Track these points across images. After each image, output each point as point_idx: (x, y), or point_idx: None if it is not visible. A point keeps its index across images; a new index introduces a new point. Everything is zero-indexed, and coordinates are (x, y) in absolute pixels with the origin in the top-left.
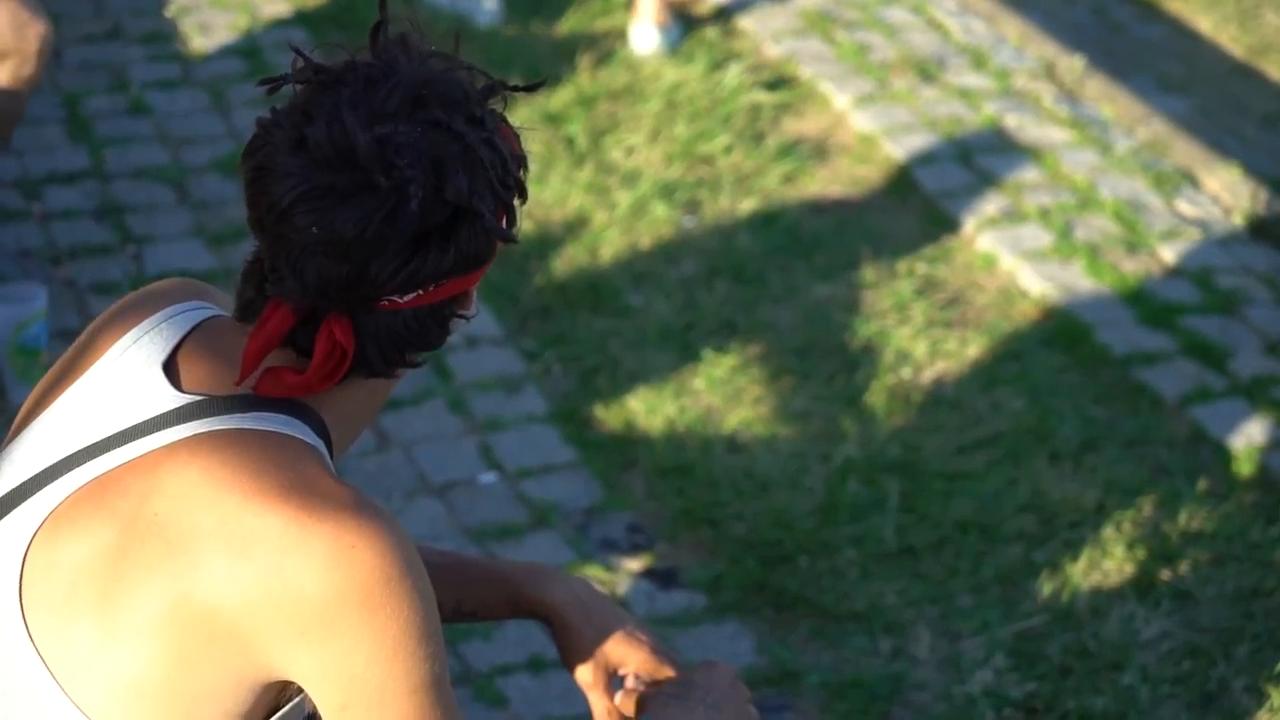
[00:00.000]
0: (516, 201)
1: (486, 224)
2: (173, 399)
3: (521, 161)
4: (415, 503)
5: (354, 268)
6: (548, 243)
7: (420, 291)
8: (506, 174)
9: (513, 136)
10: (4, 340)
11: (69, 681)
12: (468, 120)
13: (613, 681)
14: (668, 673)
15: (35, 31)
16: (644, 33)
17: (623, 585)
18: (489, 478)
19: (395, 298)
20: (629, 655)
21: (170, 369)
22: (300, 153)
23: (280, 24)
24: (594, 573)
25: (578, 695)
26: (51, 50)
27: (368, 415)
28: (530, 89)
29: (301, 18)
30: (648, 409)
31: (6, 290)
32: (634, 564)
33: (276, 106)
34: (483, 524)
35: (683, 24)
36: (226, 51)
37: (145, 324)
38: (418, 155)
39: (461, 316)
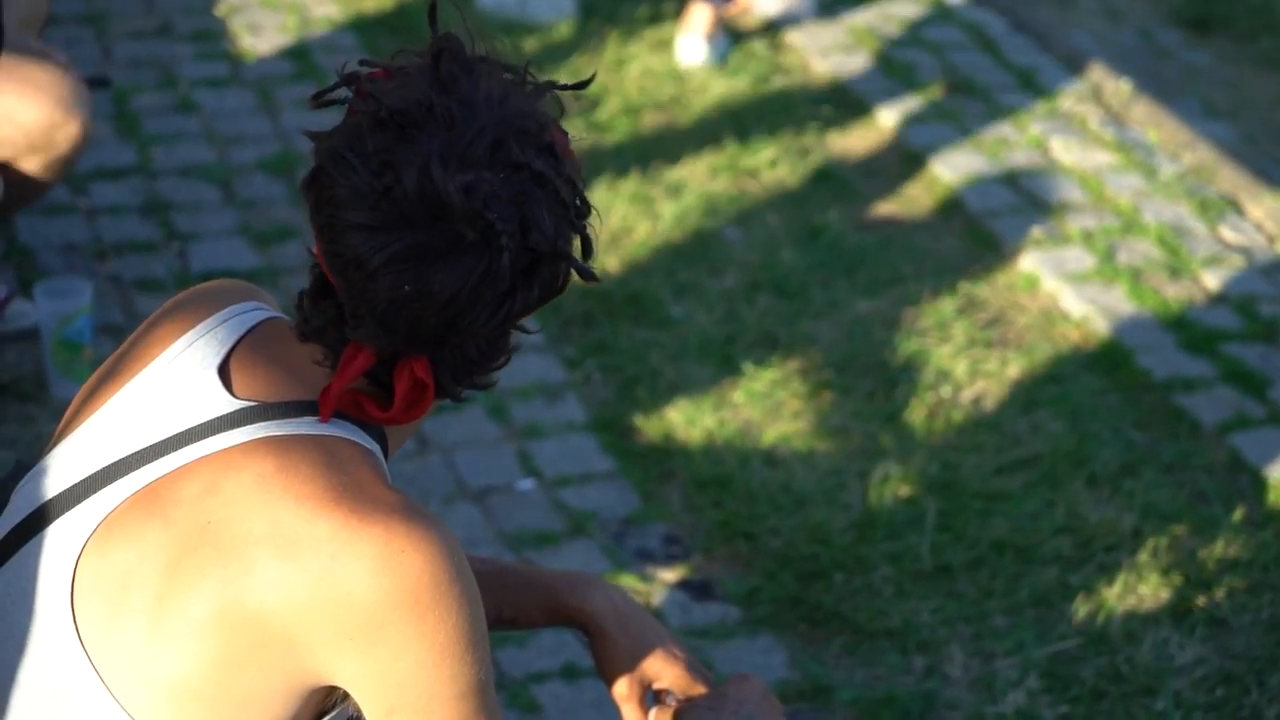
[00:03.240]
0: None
1: (574, 265)
2: (228, 404)
3: (580, 170)
4: (453, 508)
5: (447, 320)
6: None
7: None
8: (582, 203)
9: (567, 140)
10: (48, 335)
11: (118, 686)
12: (543, 150)
13: (647, 695)
14: (701, 690)
15: (67, 134)
16: (692, 45)
17: (657, 596)
18: (527, 484)
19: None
20: (664, 670)
21: (224, 372)
22: (384, 206)
23: (330, 25)
24: (629, 582)
25: (611, 704)
26: (86, 145)
27: (420, 419)
28: (579, 87)
29: (352, 20)
30: (687, 420)
31: (51, 285)
32: (669, 575)
33: (336, 130)
34: (519, 530)
35: (730, 37)
36: (276, 52)
37: (201, 326)
38: (504, 205)
39: (522, 329)
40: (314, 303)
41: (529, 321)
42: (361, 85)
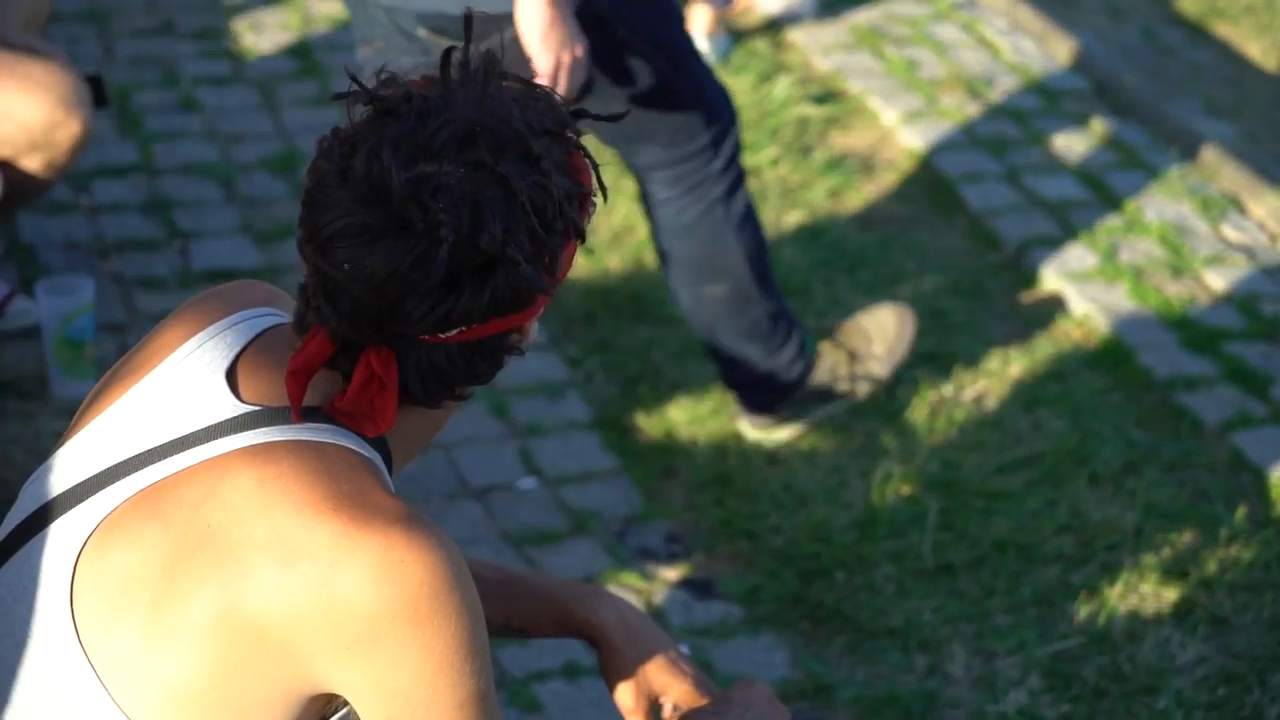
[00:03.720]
0: (576, 243)
1: (523, 272)
2: (232, 408)
3: (584, 199)
4: (455, 506)
5: (386, 305)
6: (593, 250)
7: (463, 328)
8: (556, 218)
9: (585, 168)
10: (50, 332)
11: (116, 687)
12: (522, 159)
13: (653, 709)
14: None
15: (68, 132)
16: (696, 40)
17: (659, 594)
18: (529, 483)
19: (437, 333)
20: (671, 685)
21: (231, 376)
22: (344, 185)
23: (333, 24)
24: (630, 581)
25: (611, 703)
26: (87, 143)
27: (427, 435)
28: (613, 119)
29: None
30: (689, 419)
31: (54, 282)
32: (671, 573)
33: (339, 125)
34: (521, 529)
35: (732, 36)
36: (278, 50)
37: (210, 329)
38: (455, 199)
39: (516, 350)
40: (300, 291)
41: (520, 340)
42: (357, 81)
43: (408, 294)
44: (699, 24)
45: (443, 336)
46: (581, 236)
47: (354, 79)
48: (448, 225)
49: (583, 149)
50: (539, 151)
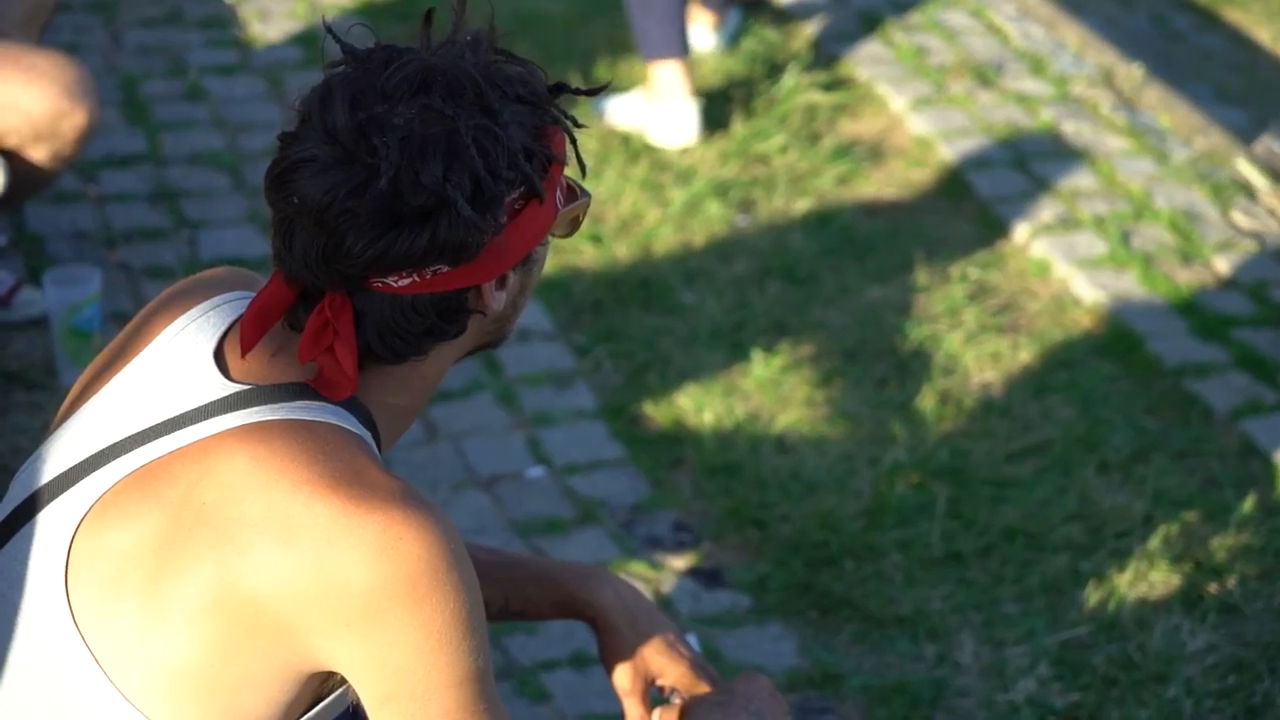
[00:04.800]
0: (540, 208)
1: (461, 213)
2: (222, 387)
3: (550, 162)
4: (462, 495)
5: (330, 239)
6: (601, 238)
7: (414, 278)
8: (507, 167)
9: (558, 136)
10: (57, 322)
11: (113, 668)
12: (478, 107)
13: (649, 691)
14: (705, 689)
15: (73, 123)
16: (700, 33)
17: (667, 583)
18: (536, 472)
19: (387, 280)
20: (668, 667)
21: (219, 357)
22: (306, 127)
23: (340, 12)
24: (639, 570)
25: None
26: (93, 134)
27: (412, 408)
28: (591, 93)
29: (361, 6)
30: (697, 407)
31: (61, 272)
32: (679, 562)
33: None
34: (529, 518)
35: (741, 12)
36: (285, 38)
37: (194, 311)
38: (400, 136)
39: (478, 313)
40: (272, 243)
41: (479, 304)
42: (335, 36)
43: (349, 227)
44: (705, 16)
45: (395, 285)
46: (539, 196)
47: (329, 30)
48: (388, 159)
49: (562, 124)
50: (497, 105)
